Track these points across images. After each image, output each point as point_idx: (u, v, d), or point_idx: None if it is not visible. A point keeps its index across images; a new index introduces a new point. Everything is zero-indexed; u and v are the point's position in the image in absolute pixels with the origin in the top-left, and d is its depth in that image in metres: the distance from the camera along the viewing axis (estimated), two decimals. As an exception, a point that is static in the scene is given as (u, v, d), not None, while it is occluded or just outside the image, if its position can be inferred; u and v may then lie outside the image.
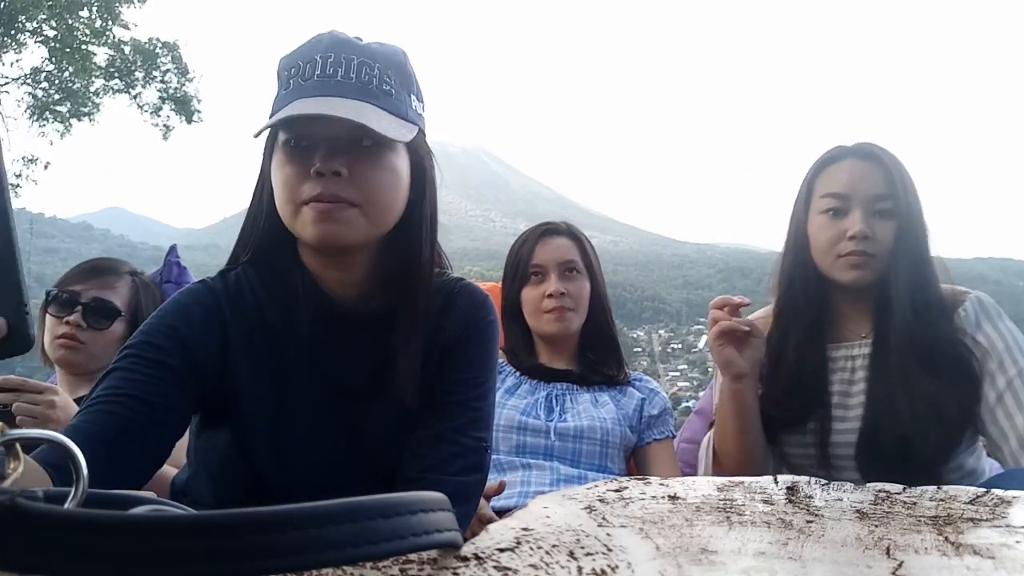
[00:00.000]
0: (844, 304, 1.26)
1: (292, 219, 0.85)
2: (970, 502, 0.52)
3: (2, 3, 10.52)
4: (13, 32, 10.97)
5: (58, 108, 11.99)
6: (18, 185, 11.96)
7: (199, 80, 12.76)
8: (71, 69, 11.53)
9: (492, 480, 1.16)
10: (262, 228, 0.92)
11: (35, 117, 11.94)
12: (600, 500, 0.51)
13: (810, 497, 0.54)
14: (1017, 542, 0.44)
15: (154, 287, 1.53)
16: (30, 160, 12.09)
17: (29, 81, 11.85)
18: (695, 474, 1.50)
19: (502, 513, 1.22)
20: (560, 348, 1.57)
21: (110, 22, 11.56)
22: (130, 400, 0.76)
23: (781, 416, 1.22)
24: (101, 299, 1.39)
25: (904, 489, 0.55)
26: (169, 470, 1.14)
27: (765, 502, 0.52)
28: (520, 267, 1.58)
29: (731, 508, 0.51)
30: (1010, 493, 0.53)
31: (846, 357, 1.24)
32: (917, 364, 1.14)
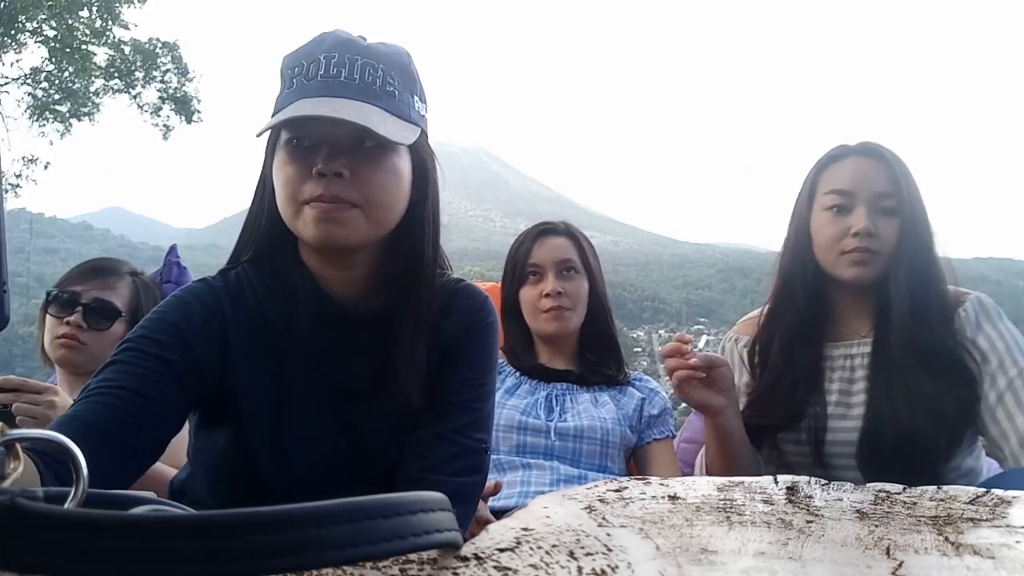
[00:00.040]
0: (844, 303, 1.25)
1: (293, 219, 0.85)
2: (970, 502, 0.52)
3: (2, 3, 10.51)
4: (13, 32, 10.97)
5: (58, 108, 11.99)
6: (18, 185, 11.97)
7: (199, 80, 12.77)
8: (71, 69, 11.53)
9: (490, 481, 1.16)
10: (263, 227, 0.92)
11: (35, 117, 11.94)
12: (600, 500, 0.51)
13: (810, 497, 0.54)
14: (1017, 542, 0.44)
15: (154, 287, 1.53)
16: (30, 160, 12.09)
17: (29, 81, 11.85)
18: (695, 474, 1.50)
19: (501, 513, 1.22)
20: (559, 348, 1.57)
21: (110, 22, 11.56)
22: (127, 392, 0.76)
23: (768, 417, 1.22)
24: (102, 299, 1.39)
25: (904, 489, 0.55)
26: (169, 470, 1.14)
27: (765, 502, 0.52)
28: (518, 267, 1.58)
29: (731, 508, 0.51)
30: (1010, 493, 0.53)
31: (845, 356, 1.24)
32: (917, 364, 1.14)
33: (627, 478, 0.58)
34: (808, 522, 0.48)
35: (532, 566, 0.38)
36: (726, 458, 1.18)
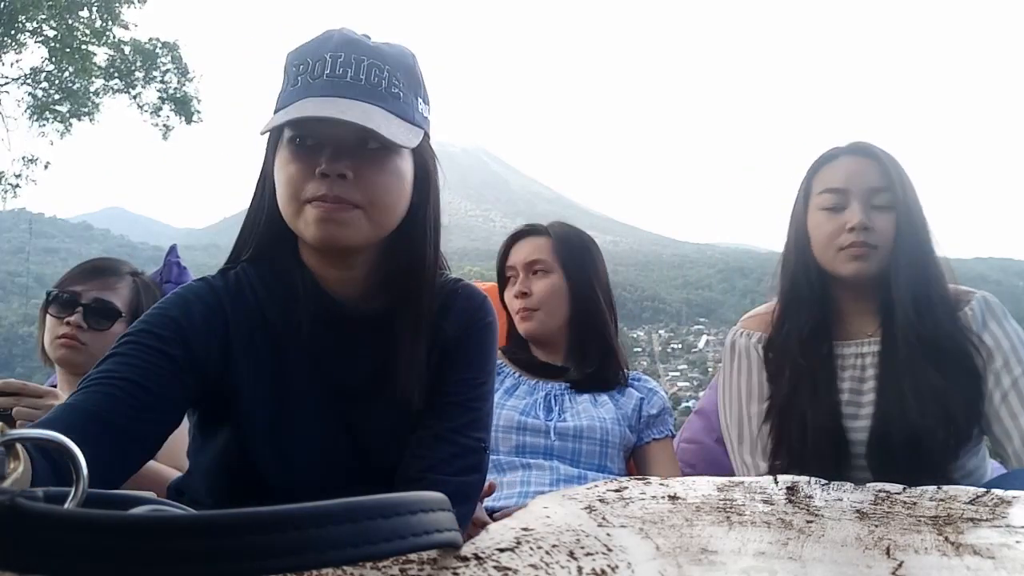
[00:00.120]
0: (848, 302, 1.26)
1: (294, 217, 0.85)
2: (970, 502, 0.52)
3: (2, 3, 10.50)
4: (13, 32, 10.96)
5: (58, 108, 11.97)
6: (18, 185, 11.97)
7: (199, 80, 12.76)
8: (71, 69, 11.51)
9: (488, 481, 1.16)
10: (262, 226, 0.91)
11: (35, 117, 11.93)
12: (600, 500, 0.51)
13: (810, 497, 0.54)
14: (1017, 542, 0.44)
15: (155, 287, 1.53)
16: (30, 160, 12.08)
17: (29, 81, 11.84)
18: (695, 474, 1.50)
19: (496, 513, 1.22)
20: (546, 349, 1.57)
21: (110, 22, 11.55)
22: (127, 384, 0.75)
23: (792, 418, 1.21)
24: (102, 300, 1.39)
25: (904, 489, 0.55)
26: (170, 472, 1.14)
27: (765, 502, 0.52)
28: (500, 270, 1.63)
29: (731, 508, 0.51)
30: (1010, 493, 0.53)
31: (856, 355, 1.24)
32: (925, 361, 1.14)
33: (627, 478, 0.58)
34: (808, 522, 0.48)
35: (532, 566, 0.38)
36: None
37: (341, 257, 0.89)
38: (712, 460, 1.69)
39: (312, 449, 0.88)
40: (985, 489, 0.54)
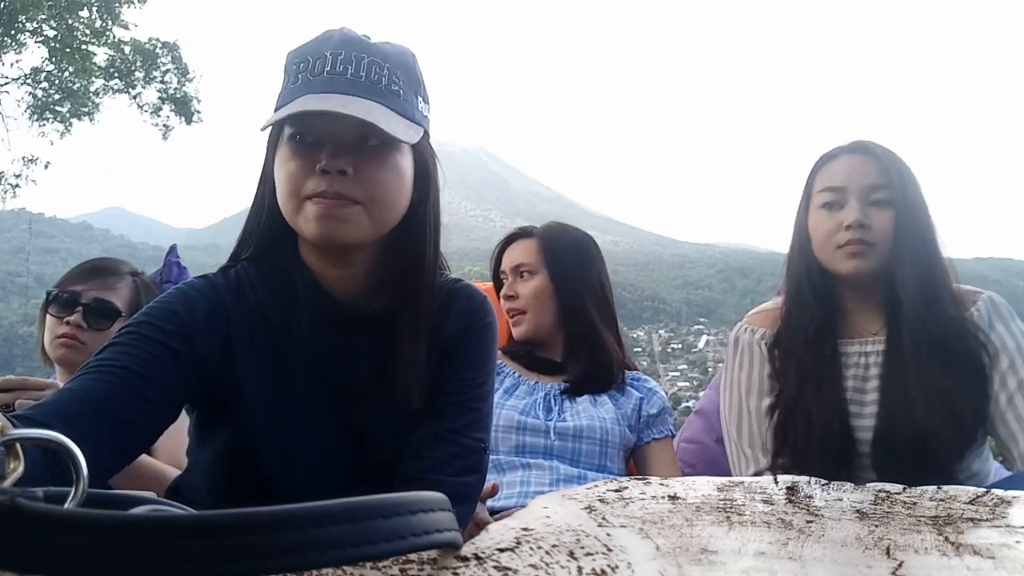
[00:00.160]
0: (852, 300, 1.26)
1: (295, 214, 0.84)
2: (970, 502, 0.52)
3: (2, 3, 10.50)
4: (13, 32, 10.96)
5: (58, 108, 11.97)
6: (18, 185, 11.97)
7: (199, 80, 12.76)
8: (71, 69, 11.51)
9: (489, 482, 1.16)
10: (263, 225, 0.91)
11: (35, 117, 11.93)
12: (600, 500, 0.51)
13: (810, 497, 0.54)
14: (1017, 542, 0.44)
15: (154, 287, 1.53)
16: (30, 160, 12.08)
17: (29, 81, 11.83)
18: (695, 474, 1.50)
19: (497, 513, 1.22)
20: (544, 349, 1.57)
21: (110, 22, 11.54)
22: (126, 372, 0.75)
23: (796, 415, 1.21)
24: (102, 299, 1.39)
25: (904, 489, 0.55)
26: (172, 470, 1.14)
27: (765, 502, 0.52)
28: (495, 275, 1.66)
29: (731, 508, 0.51)
30: (1010, 493, 0.53)
31: (859, 354, 1.24)
32: (931, 361, 1.13)
33: (627, 478, 0.58)
34: (808, 522, 0.48)
35: (532, 566, 0.38)
36: None
37: (341, 254, 0.89)
38: (712, 460, 1.69)
39: (312, 448, 0.88)
40: (985, 489, 0.54)
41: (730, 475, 1.19)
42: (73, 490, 0.31)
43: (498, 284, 1.64)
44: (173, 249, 1.72)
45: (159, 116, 12.62)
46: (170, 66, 12.39)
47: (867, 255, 1.18)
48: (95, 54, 11.54)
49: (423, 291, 0.91)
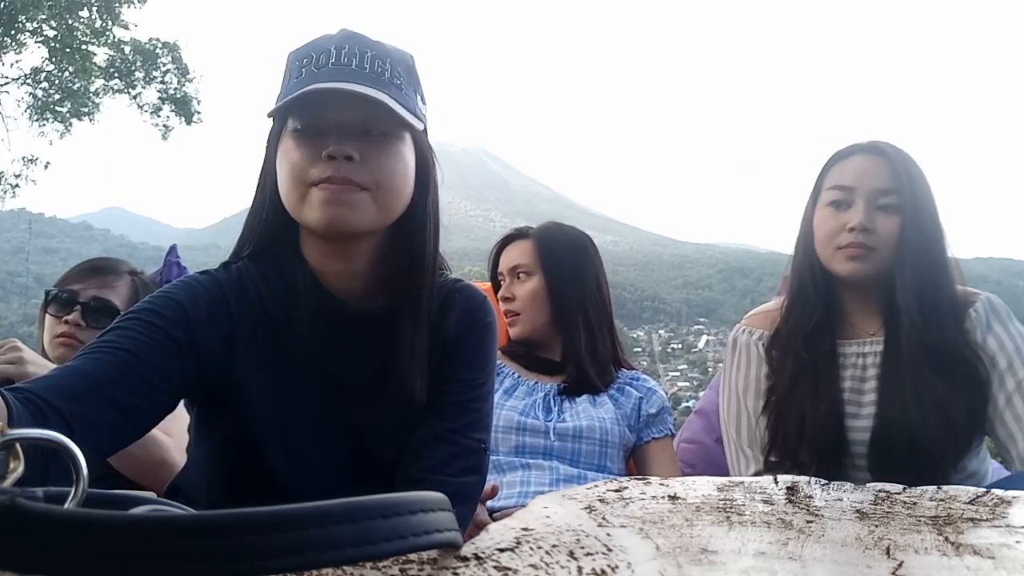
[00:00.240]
0: (851, 301, 1.26)
1: (299, 203, 0.84)
2: (970, 502, 0.52)
3: (2, 3, 10.50)
4: (13, 32, 10.96)
5: (58, 108, 11.97)
6: (18, 185, 11.97)
7: (199, 80, 12.76)
8: (71, 69, 11.51)
9: (489, 483, 1.16)
10: (263, 223, 0.91)
11: (35, 117, 11.93)
12: (600, 500, 0.51)
13: (810, 497, 0.54)
14: (1017, 542, 0.44)
15: (154, 287, 1.53)
16: (30, 160, 12.08)
17: (29, 81, 11.83)
18: (695, 474, 1.50)
19: (496, 513, 1.22)
20: (542, 349, 1.57)
21: (110, 22, 11.54)
22: (126, 355, 0.75)
23: (791, 414, 1.21)
24: (101, 298, 1.39)
25: (904, 489, 0.55)
26: (171, 470, 1.14)
27: (765, 502, 0.52)
28: (493, 276, 1.66)
29: (731, 508, 0.51)
30: (1010, 493, 0.53)
31: (857, 354, 1.24)
32: (928, 367, 1.13)
33: (627, 478, 0.58)
34: (808, 522, 0.48)
35: (532, 566, 0.38)
36: None
37: (343, 247, 0.89)
38: (712, 460, 1.69)
39: (312, 448, 0.88)
40: (985, 489, 0.54)
41: (730, 475, 1.19)
42: (73, 490, 0.31)
43: (496, 285, 1.64)
44: (173, 249, 1.72)
45: (159, 116, 12.63)
46: (170, 66, 12.39)
47: (867, 259, 1.17)
48: (95, 54, 11.54)
49: (423, 287, 0.91)
